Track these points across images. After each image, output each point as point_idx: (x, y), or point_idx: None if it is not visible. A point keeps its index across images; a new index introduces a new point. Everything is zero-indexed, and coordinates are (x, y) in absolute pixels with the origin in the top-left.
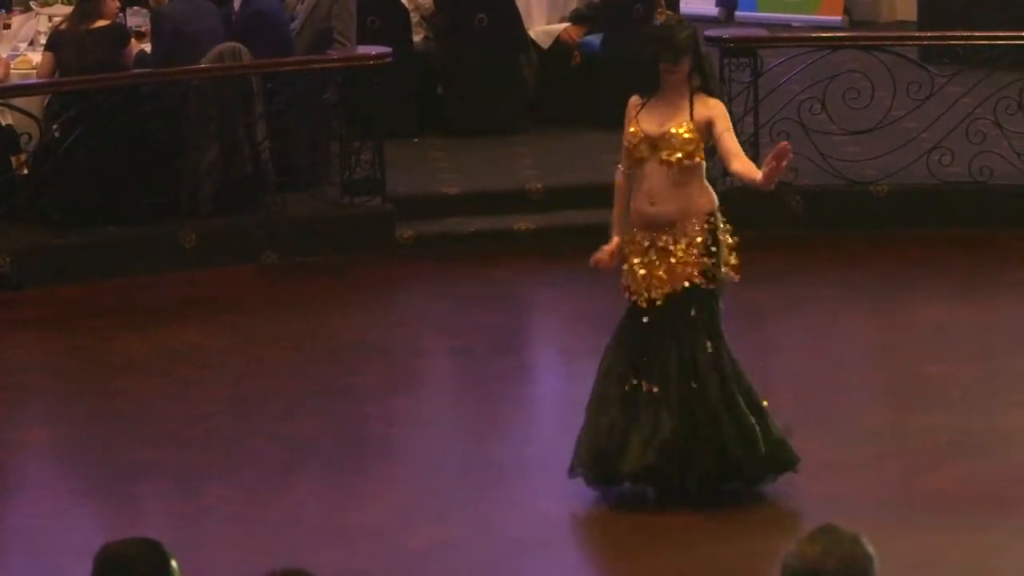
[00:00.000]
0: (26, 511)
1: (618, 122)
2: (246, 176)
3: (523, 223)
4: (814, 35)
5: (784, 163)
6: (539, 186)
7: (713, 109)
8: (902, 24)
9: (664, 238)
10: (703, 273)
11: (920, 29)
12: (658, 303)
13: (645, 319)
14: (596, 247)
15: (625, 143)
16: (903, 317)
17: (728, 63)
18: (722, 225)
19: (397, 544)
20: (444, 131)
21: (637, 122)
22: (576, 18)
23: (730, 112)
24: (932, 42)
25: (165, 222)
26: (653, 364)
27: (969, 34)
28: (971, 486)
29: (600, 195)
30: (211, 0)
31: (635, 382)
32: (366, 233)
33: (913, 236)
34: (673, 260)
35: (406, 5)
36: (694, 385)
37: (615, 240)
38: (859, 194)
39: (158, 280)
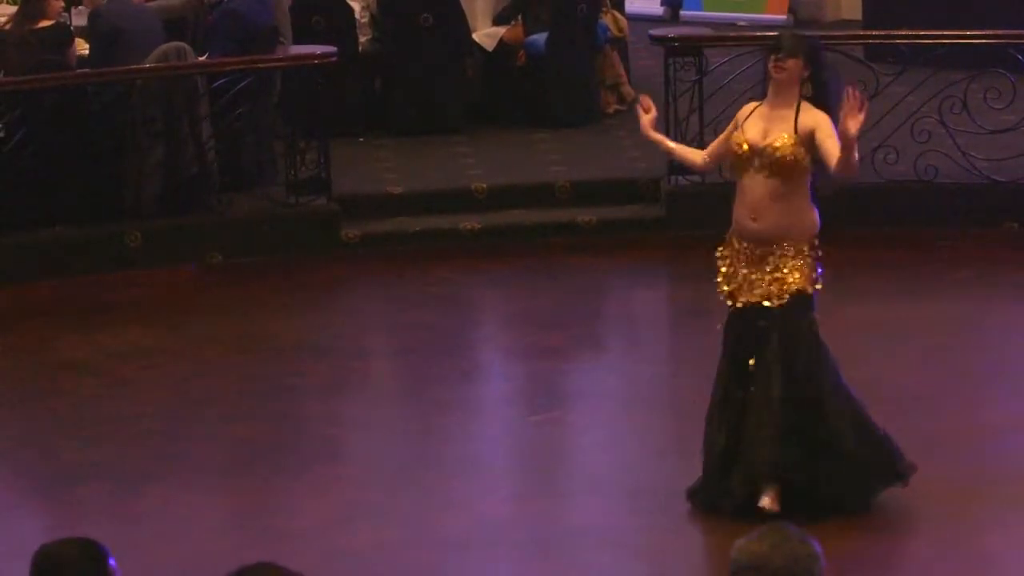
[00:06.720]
0: None
1: (563, 122)
2: (191, 176)
3: (468, 223)
4: (759, 34)
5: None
6: (484, 186)
7: (818, 119)
8: (847, 23)
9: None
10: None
11: (865, 28)
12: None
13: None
14: (540, 246)
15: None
16: (842, 318)
17: (673, 62)
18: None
19: (335, 545)
20: (390, 131)
21: (743, 130)
22: (501, 19)
23: (674, 112)
24: (877, 41)
25: (110, 222)
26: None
27: (914, 33)
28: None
29: (544, 195)
30: None
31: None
32: (311, 233)
33: (858, 235)
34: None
35: (352, 5)
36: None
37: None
38: None
39: (102, 280)
